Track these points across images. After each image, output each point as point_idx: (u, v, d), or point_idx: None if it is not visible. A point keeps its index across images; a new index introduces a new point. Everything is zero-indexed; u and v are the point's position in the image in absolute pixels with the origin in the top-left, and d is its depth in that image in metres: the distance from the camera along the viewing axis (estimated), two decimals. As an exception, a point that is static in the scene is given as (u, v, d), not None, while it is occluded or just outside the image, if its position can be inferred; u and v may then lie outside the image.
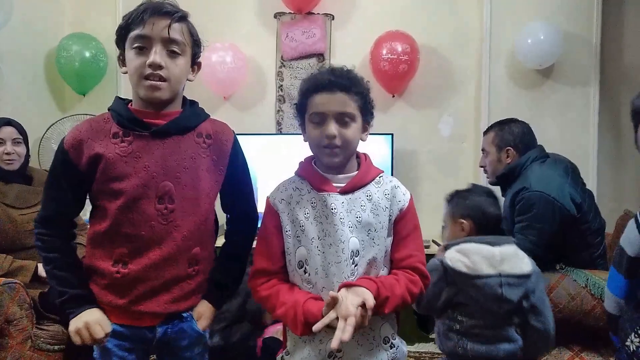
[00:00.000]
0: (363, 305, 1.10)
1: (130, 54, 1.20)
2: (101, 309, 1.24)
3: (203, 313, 1.31)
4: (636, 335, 1.33)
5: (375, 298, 1.13)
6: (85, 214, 3.11)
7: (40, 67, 2.99)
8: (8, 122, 2.17)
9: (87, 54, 2.93)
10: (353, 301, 1.10)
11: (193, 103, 1.32)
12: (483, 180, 2.94)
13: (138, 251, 1.22)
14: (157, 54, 1.17)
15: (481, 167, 2.30)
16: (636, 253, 1.33)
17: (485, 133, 2.27)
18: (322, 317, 1.11)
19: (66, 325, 2.01)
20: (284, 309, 1.18)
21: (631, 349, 1.32)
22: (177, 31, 1.19)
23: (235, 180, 1.35)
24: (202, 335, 1.34)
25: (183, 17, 1.22)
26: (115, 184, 1.20)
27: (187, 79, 1.27)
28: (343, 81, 1.19)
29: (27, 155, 2.22)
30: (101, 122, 1.23)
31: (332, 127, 1.18)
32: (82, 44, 2.94)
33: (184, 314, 1.30)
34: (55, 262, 1.23)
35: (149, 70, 1.17)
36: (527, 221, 1.95)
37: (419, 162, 3.08)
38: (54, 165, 1.24)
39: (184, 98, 1.31)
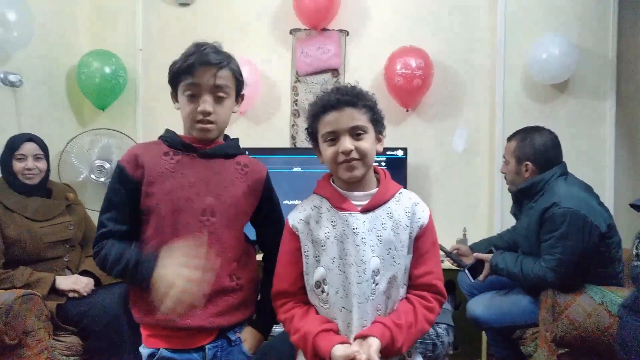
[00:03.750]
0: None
1: (182, 99, 1.32)
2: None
3: (248, 337, 1.37)
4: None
5: (390, 344, 1.15)
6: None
7: (62, 83, 3.06)
8: (30, 139, 2.23)
9: (107, 70, 3.00)
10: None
11: (234, 138, 1.44)
12: (497, 195, 2.94)
13: None
14: (206, 102, 1.29)
15: (502, 173, 2.24)
16: None
17: (508, 139, 2.20)
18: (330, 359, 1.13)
19: (82, 337, 2.06)
20: (296, 336, 1.22)
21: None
22: (222, 78, 1.30)
23: (269, 206, 1.44)
24: (250, 359, 1.38)
25: (227, 64, 1.31)
26: (162, 196, 1.28)
27: (232, 112, 1.38)
28: (349, 97, 1.22)
29: (48, 170, 2.28)
30: (153, 144, 1.37)
31: (347, 142, 1.20)
32: (102, 60, 3.01)
33: (232, 337, 1.34)
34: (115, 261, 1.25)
35: (200, 116, 1.28)
36: (557, 238, 1.90)
37: (433, 175, 3.07)
38: (110, 183, 1.32)
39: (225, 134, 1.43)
